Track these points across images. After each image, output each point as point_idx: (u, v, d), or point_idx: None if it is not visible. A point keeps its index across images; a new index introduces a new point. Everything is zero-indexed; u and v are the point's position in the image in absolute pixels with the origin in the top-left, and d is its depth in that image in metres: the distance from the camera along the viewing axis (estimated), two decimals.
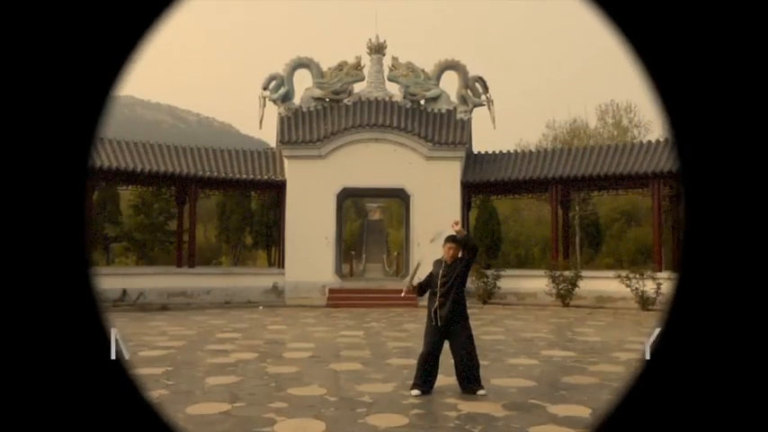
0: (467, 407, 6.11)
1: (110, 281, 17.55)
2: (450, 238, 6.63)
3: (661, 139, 19.04)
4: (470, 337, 6.70)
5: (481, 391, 6.58)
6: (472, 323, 6.88)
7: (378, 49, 21.19)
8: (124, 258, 31.19)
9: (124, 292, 17.26)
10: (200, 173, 19.21)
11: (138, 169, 18.06)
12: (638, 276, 16.50)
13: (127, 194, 29.66)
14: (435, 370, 6.68)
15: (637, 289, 16.38)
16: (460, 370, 6.68)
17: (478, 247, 6.93)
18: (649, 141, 19.20)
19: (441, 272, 6.60)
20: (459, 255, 6.67)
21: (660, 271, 17.08)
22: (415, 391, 6.54)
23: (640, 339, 11.33)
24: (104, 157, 17.78)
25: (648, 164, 17.69)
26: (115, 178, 18.65)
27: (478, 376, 6.70)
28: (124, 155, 18.43)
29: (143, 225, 30.31)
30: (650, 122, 34.14)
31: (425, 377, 6.62)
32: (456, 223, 6.63)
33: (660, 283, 16.11)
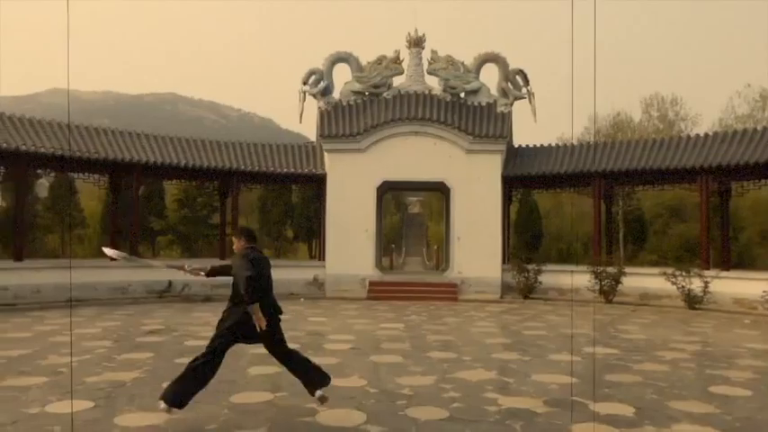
0: (507, 402, 6.09)
1: (156, 273, 18.04)
2: None
3: (710, 133, 18.44)
4: None
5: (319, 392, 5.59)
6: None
7: (417, 43, 21.10)
8: (169, 251, 31.93)
9: (170, 283, 17.71)
10: (242, 167, 19.55)
11: (183, 164, 18.50)
12: (684, 274, 16.05)
13: (172, 188, 30.41)
14: None
15: (683, 287, 15.95)
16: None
17: None
18: (697, 135, 18.56)
19: None
20: None
21: (708, 269, 16.57)
22: None
23: (687, 339, 11.06)
24: (150, 153, 18.27)
25: (696, 158, 17.17)
26: (160, 173, 19.14)
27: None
28: (168, 150, 18.91)
29: (187, 218, 31.08)
30: (698, 116, 33.09)
31: None
32: None
33: (708, 282, 15.64)
